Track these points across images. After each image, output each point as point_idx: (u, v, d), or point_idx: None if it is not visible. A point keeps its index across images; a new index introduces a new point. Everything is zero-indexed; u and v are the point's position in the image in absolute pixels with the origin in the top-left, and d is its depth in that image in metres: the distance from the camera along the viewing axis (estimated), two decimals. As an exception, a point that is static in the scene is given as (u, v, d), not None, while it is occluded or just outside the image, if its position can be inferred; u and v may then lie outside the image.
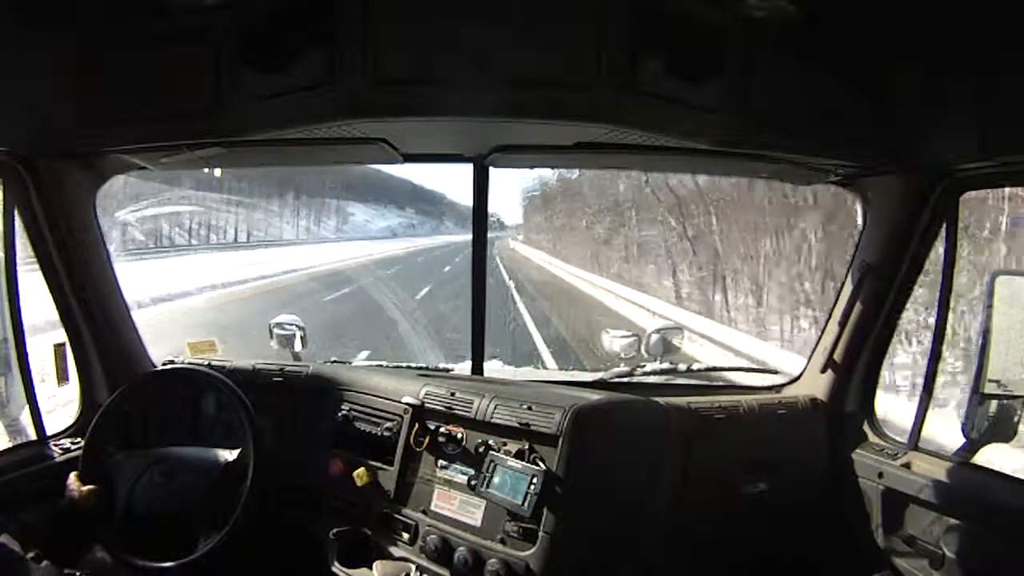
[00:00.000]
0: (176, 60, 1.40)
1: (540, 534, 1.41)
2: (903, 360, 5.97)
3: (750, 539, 1.79)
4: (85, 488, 1.58)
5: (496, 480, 1.48)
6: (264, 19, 1.32)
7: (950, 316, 1.63)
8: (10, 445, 1.71)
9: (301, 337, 2.19)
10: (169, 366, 1.90)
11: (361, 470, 1.66)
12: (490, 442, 1.54)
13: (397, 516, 1.61)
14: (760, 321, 9.99)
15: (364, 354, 5.47)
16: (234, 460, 1.66)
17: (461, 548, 1.47)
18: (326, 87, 1.27)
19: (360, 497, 1.66)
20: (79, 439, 1.72)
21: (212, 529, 1.59)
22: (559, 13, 1.23)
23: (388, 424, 1.69)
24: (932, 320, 1.62)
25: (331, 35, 1.25)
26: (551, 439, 1.47)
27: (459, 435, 1.58)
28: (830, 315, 1.84)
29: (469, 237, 1.95)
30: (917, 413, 1.65)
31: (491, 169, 1.88)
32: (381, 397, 1.74)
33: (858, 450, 1.73)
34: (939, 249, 1.61)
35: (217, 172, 1.99)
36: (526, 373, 2.87)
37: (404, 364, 2.07)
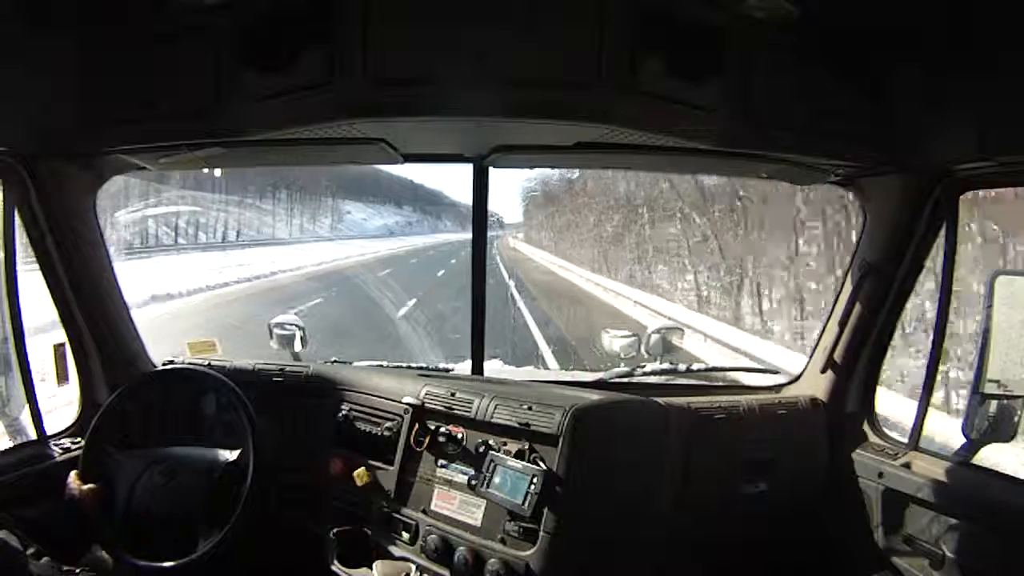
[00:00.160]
0: (176, 60, 1.40)
1: (540, 534, 1.41)
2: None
3: (750, 539, 1.79)
4: (85, 488, 1.58)
5: (496, 480, 1.48)
6: (264, 19, 1.32)
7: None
8: (10, 445, 1.71)
9: (301, 337, 2.19)
10: (169, 366, 1.90)
11: (361, 470, 1.66)
12: (490, 442, 1.54)
13: (397, 516, 1.61)
14: (802, 333, 8.91)
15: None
16: (234, 460, 1.66)
17: (461, 548, 1.47)
18: (326, 87, 1.27)
19: (360, 497, 1.66)
20: (79, 439, 1.73)
21: (212, 529, 1.59)
22: (559, 13, 1.23)
23: (388, 424, 1.69)
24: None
25: (331, 35, 1.25)
26: (551, 439, 1.47)
27: (459, 435, 1.58)
28: (830, 315, 1.84)
29: (467, 236, 1.95)
30: (917, 413, 1.65)
31: (491, 168, 1.88)
32: (381, 397, 1.74)
33: (858, 450, 1.73)
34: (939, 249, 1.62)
35: (217, 172, 1.99)
36: (526, 373, 2.87)
37: (404, 364, 2.07)
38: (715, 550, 1.78)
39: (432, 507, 1.57)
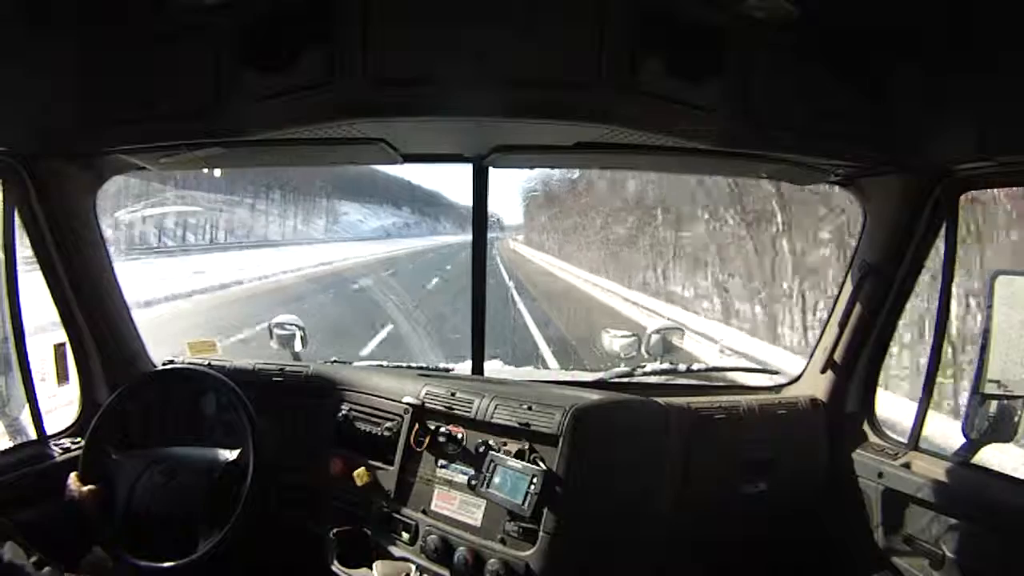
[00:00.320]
0: (176, 60, 1.40)
1: (540, 534, 1.41)
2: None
3: (750, 539, 1.79)
4: (85, 488, 1.58)
5: (496, 480, 1.48)
6: (264, 19, 1.32)
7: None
8: (10, 445, 1.71)
9: (301, 337, 2.19)
10: (169, 366, 1.90)
11: (361, 470, 1.66)
12: (490, 442, 1.54)
13: (397, 516, 1.61)
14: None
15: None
16: (234, 460, 1.66)
17: (461, 548, 1.47)
18: (326, 87, 1.26)
19: (360, 497, 1.66)
20: (79, 439, 1.73)
21: (212, 529, 1.59)
22: (559, 13, 1.23)
23: (388, 424, 1.69)
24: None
25: (331, 35, 1.24)
26: (551, 439, 1.47)
27: (459, 435, 1.58)
28: (830, 315, 1.84)
29: (465, 238, 1.95)
30: (917, 413, 1.65)
31: (490, 168, 1.88)
32: (381, 397, 1.74)
33: (858, 450, 1.73)
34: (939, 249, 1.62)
35: (217, 172, 1.98)
36: (526, 373, 2.87)
37: (404, 364, 2.07)
38: (715, 550, 1.78)
39: (432, 507, 1.57)
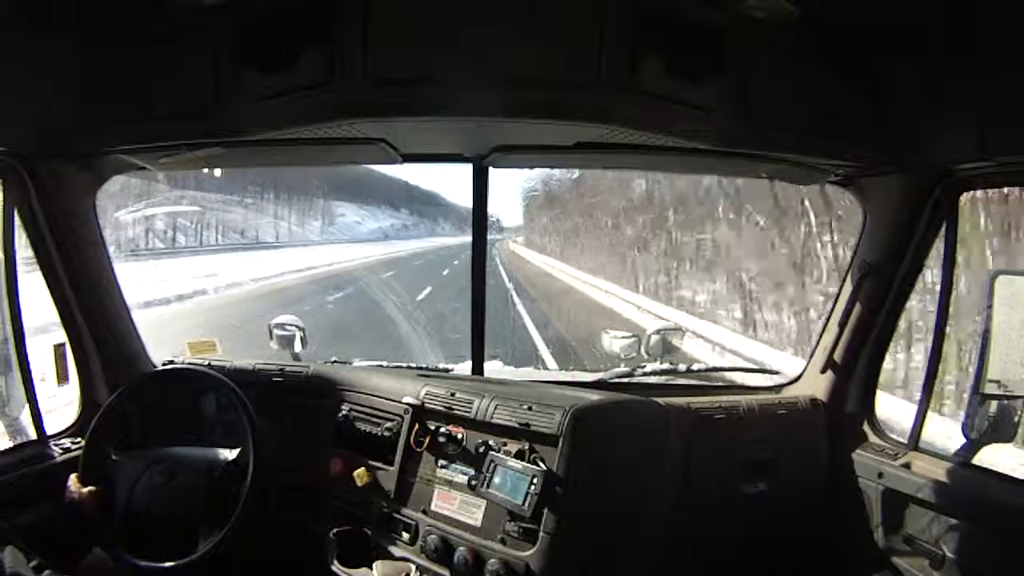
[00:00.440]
0: (176, 60, 1.40)
1: (540, 534, 1.41)
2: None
3: (750, 539, 1.79)
4: (85, 489, 1.58)
5: (496, 480, 1.48)
6: (264, 19, 1.32)
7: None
8: (10, 445, 1.71)
9: (301, 338, 2.19)
10: (169, 366, 1.90)
11: (361, 470, 1.66)
12: (490, 442, 1.53)
13: (397, 516, 1.61)
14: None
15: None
16: (234, 460, 1.66)
17: (461, 548, 1.47)
18: (326, 87, 1.26)
19: (360, 497, 1.66)
20: (79, 439, 1.73)
21: (212, 529, 1.59)
22: (559, 13, 1.23)
23: (388, 424, 1.69)
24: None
25: (331, 35, 1.24)
26: (551, 439, 1.47)
27: (459, 435, 1.58)
28: (830, 315, 1.84)
29: (463, 239, 1.94)
30: (917, 413, 1.65)
31: (490, 169, 1.88)
32: (381, 397, 1.74)
33: (858, 450, 1.73)
34: (939, 249, 1.61)
35: (217, 172, 1.98)
36: (526, 373, 2.87)
37: (404, 364, 2.06)
38: (715, 550, 1.78)
39: (432, 507, 1.57)
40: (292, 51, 1.27)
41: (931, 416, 1.65)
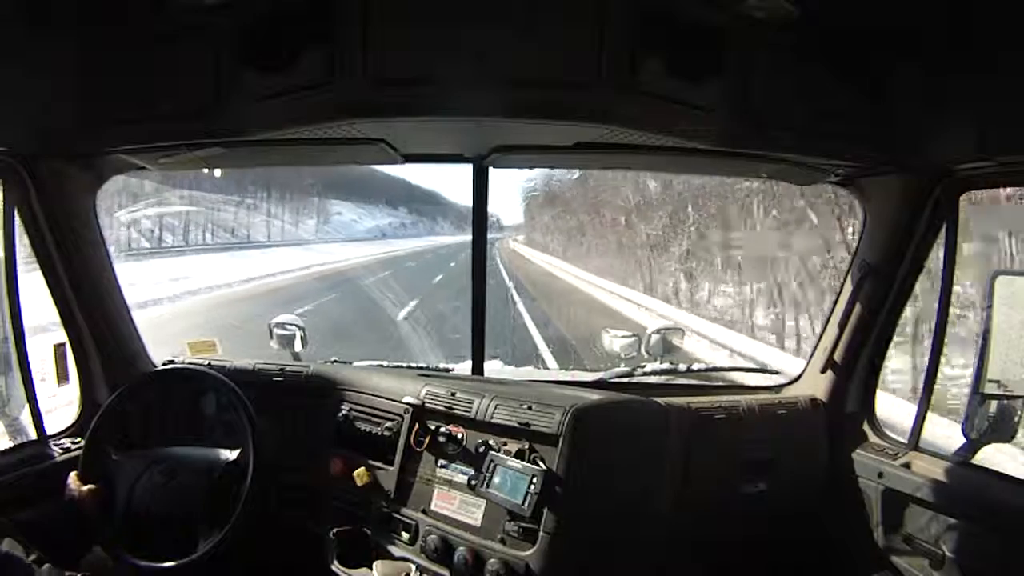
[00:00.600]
0: (176, 60, 1.40)
1: (540, 534, 1.41)
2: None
3: (750, 539, 1.79)
4: (85, 488, 1.58)
5: (496, 480, 1.48)
6: (264, 19, 1.32)
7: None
8: (10, 445, 1.71)
9: (301, 337, 2.19)
10: (169, 366, 1.90)
11: (361, 470, 1.66)
12: (490, 442, 1.54)
13: (397, 516, 1.61)
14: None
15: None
16: (234, 460, 1.66)
17: (461, 548, 1.47)
18: (326, 87, 1.26)
19: (360, 497, 1.66)
20: (79, 439, 1.73)
21: (212, 529, 1.59)
22: (559, 13, 1.23)
23: (388, 424, 1.69)
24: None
25: (331, 35, 1.24)
26: (551, 439, 1.47)
27: (459, 435, 1.58)
28: (830, 315, 1.84)
29: (462, 238, 1.94)
30: (917, 413, 1.65)
31: (490, 168, 1.88)
32: (381, 397, 1.74)
33: (858, 450, 1.73)
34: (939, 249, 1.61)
35: (217, 172, 1.99)
36: (526, 373, 2.87)
37: (404, 364, 2.07)
38: (715, 550, 1.78)
39: (432, 507, 1.57)
40: (292, 51, 1.27)
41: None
